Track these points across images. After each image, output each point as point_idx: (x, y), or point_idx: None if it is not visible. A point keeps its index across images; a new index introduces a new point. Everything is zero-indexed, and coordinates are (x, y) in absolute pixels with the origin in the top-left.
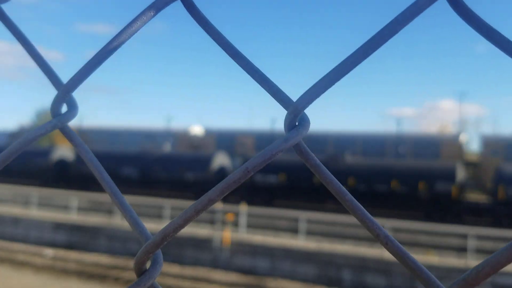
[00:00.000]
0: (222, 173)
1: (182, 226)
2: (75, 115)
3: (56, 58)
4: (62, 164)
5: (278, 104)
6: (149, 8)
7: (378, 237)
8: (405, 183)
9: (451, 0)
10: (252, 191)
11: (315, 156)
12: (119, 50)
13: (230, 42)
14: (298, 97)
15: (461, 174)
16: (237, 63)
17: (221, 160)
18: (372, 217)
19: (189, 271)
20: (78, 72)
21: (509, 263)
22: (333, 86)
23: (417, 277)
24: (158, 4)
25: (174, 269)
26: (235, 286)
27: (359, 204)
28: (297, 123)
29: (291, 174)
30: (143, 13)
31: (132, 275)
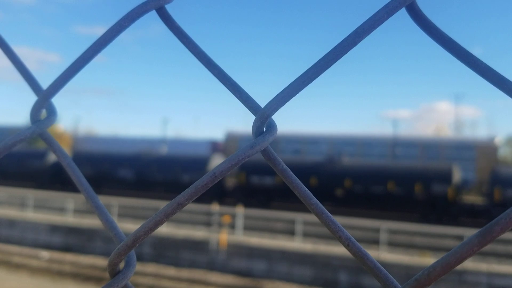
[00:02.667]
0: None
1: (152, 229)
2: (54, 121)
3: (54, 60)
4: (58, 166)
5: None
6: (124, 18)
7: (340, 239)
8: (401, 184)
9: (412, 13)
10: (249, 193)
11: (282, 161)
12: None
13: (204, 52)
14: (265, 104)
15: (457, 175)
16: (210, 71)
17: (217, 162)
18: (335, 220)
19: (185, 273)
20: (56, 79)
21: (458, 264)
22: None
23: (376, 276)
24: (132, 15)
25: (171, 271)
26: None
27: (324, 208)
28: (264, 129)
29: None
30: (118, 23)
31: None
